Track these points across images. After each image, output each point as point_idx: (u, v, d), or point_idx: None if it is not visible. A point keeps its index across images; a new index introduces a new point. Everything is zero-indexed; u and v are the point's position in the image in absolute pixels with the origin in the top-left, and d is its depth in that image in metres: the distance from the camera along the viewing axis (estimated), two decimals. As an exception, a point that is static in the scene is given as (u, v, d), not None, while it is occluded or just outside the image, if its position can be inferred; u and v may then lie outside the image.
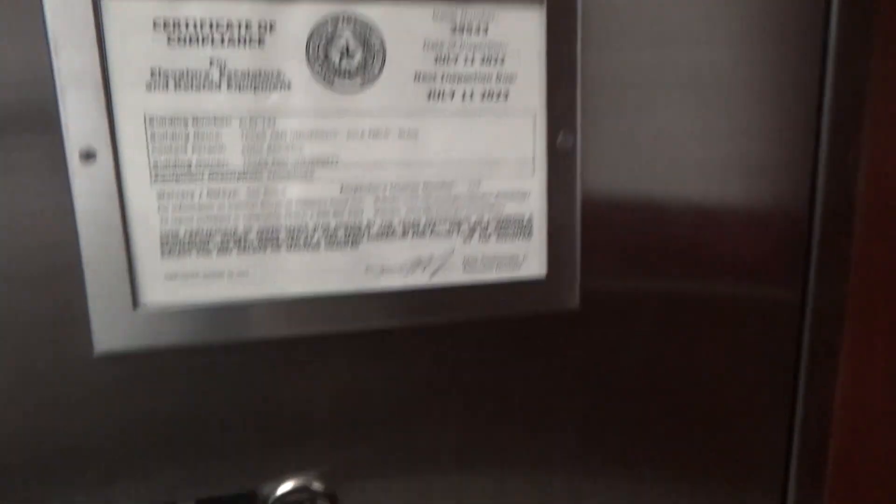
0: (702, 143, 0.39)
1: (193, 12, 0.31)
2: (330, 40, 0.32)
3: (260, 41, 0.32)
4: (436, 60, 0.34)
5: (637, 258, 0.40)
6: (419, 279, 0.36)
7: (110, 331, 0.32)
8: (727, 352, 0.42)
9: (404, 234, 0.35)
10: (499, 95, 0.35)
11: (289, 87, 0.32)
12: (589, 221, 0.38)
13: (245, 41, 0.32)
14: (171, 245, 0.32)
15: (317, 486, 0.37)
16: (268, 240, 0.33)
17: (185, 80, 0.31)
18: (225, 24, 0.31)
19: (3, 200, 0.31)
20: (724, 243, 0.41)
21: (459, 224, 0.36)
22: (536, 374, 0.39)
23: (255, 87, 0.32)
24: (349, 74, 0.33)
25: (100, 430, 0.34)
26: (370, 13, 0.33)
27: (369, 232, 0.35)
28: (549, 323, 0.39)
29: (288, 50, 0.32)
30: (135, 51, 0.30)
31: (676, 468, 0.43)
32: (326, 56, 0.32)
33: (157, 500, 0.35)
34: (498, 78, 0.35)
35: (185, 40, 0.31)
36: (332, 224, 0.34)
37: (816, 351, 0.44)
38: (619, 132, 0.38)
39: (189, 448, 0.35)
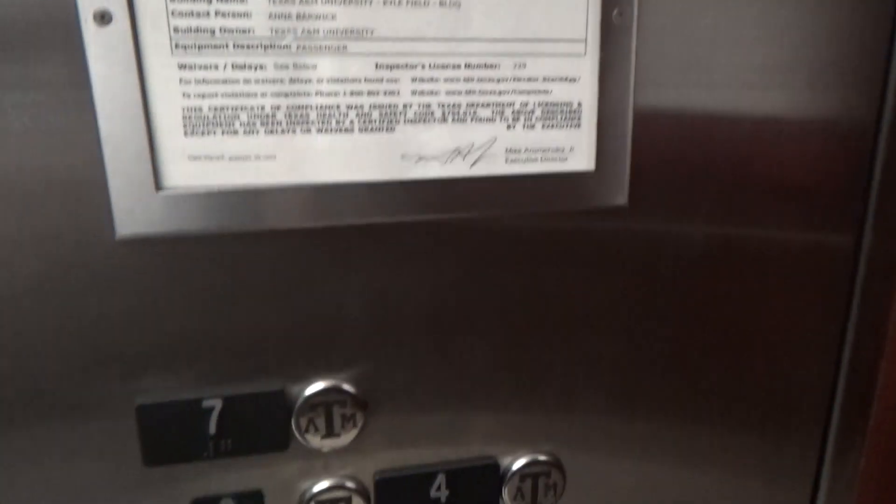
0: (764, 44, 0.35)
1: None
2: None
3: None
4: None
5: (688, 160, 0.37)
6: (458, 169, 0.33)
7: (132, 214, 0.31)
8: (779, 266, 0.40)
9: (443, 118, 0.32)
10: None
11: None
12: (640, 114, 0.35)
13: None
14: (195, 122, 0.30)
15: (348, 388, 0.36)
16: (297, 121, 0.31)
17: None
18: None
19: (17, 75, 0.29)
20: (779, 156, 0.37)
21: (503, 109, 0.33)
22: (579, 274, 0.37)
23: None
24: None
25: (123, 320, 0.32)
26: None
27: (406, 115, 0.32)
28: (595, 220, 0.36)
29: None
30: None
31: (717, 383, 0.41)
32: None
33: (182, 397, 0.34)
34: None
35: None
36: (366, 105, 0.32)
37: (873, 271, 0.41)
38: (677, 20, 0.34)
39: (214, 343, 0.33)
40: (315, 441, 0.36)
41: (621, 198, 0.36)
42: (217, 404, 0.34)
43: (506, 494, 0.39)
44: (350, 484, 0.37)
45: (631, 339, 0.39)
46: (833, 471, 0.45)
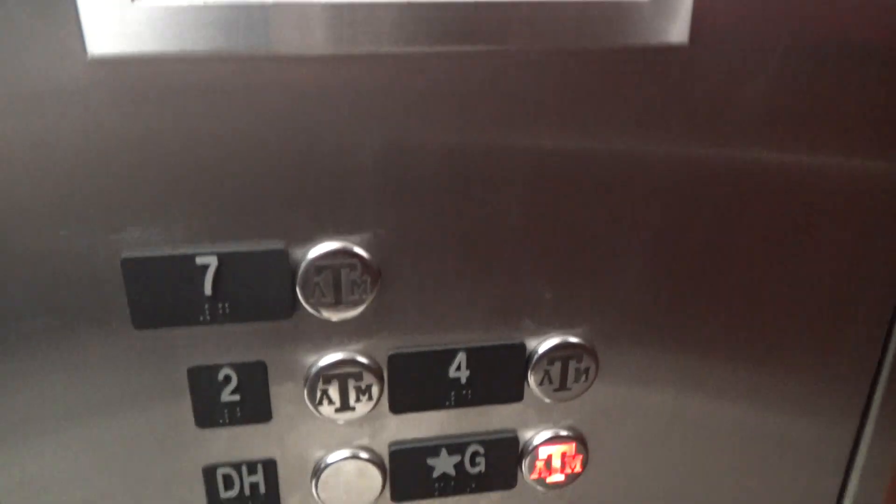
0: None
1: None
2: None
3: None
4: None
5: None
6: (490, -11, 0.28)
7: (105, 29, 0.26)
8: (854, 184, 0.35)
9: (473, -78, 0.27)
10: None
11: None
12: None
13: None
14: (174, -85, 0.25)
15: (359, 251, 0.32)
16: (297, -81, 0.26)
17: None
18: None
19: None
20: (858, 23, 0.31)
21: (545, -86, 0.28)
22: (626, 120, 0.32)
23: None
24: None
25: (100, 160, 0.28)
26: None
27: (427, -84, 0.27)
28: (647, 61, 0.31)
29: None
30: None
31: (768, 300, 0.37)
32: None
33: (173, 252, 0.30)
34: None
35: None
36: None
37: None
38: None
39: (207, 192, 0.29)
40: (322, 309, 0.32)
41: (681, 34, 0.30)
42: (212, 262, 0.30)
43: (531, 378, 0.36)
44: (362, 359, 0.34)
45: (677, 211, 0.35)
46: (882, 414, 0.41)
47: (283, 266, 0.31)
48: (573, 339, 0.36)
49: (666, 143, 0.32)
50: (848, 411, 0.41)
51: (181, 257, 0.30)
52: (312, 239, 0.31)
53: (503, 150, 0.31)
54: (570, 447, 0.38)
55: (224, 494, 0.35)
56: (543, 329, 0.35)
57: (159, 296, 0.30)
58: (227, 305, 0.31)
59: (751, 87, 0.32)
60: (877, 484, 0.43)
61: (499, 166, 0.32)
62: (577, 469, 0.39)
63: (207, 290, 0.31)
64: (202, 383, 0.33)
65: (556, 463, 0.38)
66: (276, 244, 0.31)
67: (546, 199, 0.33)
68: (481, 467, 0.37)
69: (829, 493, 0.44)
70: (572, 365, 0.36)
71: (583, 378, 0.36)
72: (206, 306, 0.31)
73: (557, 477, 0.39)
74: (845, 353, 0.39)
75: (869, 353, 0.40)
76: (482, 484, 0.38)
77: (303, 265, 0.31)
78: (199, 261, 0.30)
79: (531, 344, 0.36)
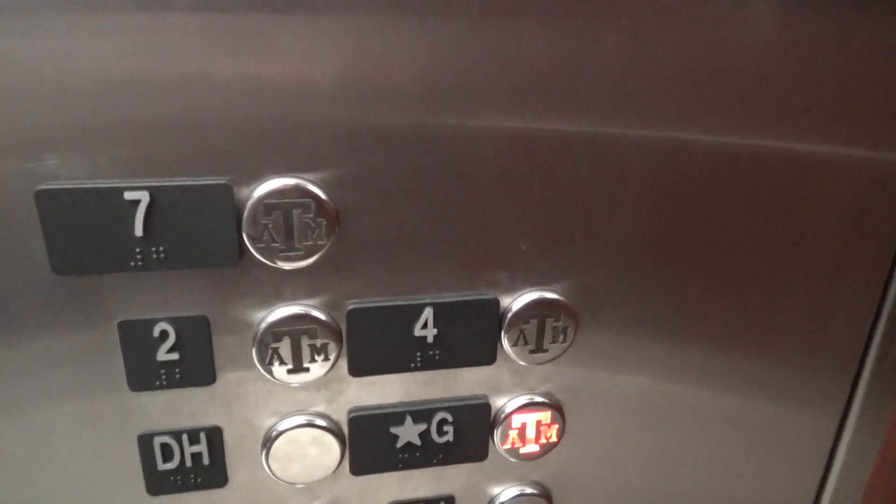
0: None
1: None
2: None
3: None
4: None
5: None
6: None
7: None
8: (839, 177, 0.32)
9: None
10: None
11: None
12: None
13: None
14: None
15: (315, 189, 0.29)
16: None
17: None
18: None
19: None
20: None
21: None
22: (611, 77, 0.29)
23: None
24: None
25: (16, 73, 0.25)
26: None
27: None
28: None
29: None
30: None
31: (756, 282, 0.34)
32: None
33: (97, 184, 0.26)
34: None
35: None
36: None
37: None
38: None
39: (138, 115, 0.26)
40: (273, 256, 0.28)
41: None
42: (143, 197, 0.26)
43: (505, 338, 0.33)
44: (317, 314, 0.30)
45: (666, 171, 0.32)
46: (865, 403, 0.39)
47: (226, 204, 0.27)
48: (551, 296, 0.33)
49: (652, 108, 0.30)
50: (832, 400, 0.39)
51: (106, 191, 0.26)
52: (261, 176, 0.28)
53: (480, 86, 0.28)
54: (545, 415, 0.35)
55: (162, 466, 0.31)
56: (518, 285, 0.32)
57: (82, 236, 0.26)
58: (161, 250, 0.27)
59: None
60: (858, 473, 0.41)
61: (474, 102, 0.28)
62: (553, 439, 0.36)
63: (138, 230, 0.27)
64: (135, 340, 0.29)
65: (531, 432, 0.35)
66: (218, 179, 0.27)
67: (524, 141, 0.29)
68: (449, 437, 0.34)
69: (810, 481, 0.42)
70: (549, 324, 0.33)
71: (560, 338, 0.33)
72: (138, 250, 0.27)
73: (532, 447, 0.36)
74: (831, 340, 0.37)
75: (854, 342, 0.38)
76: (450, 455, 0.35)
77: (249, 204, 0.27)
78: (129, 195, 0.26)
79: (505, 301, 0.33)
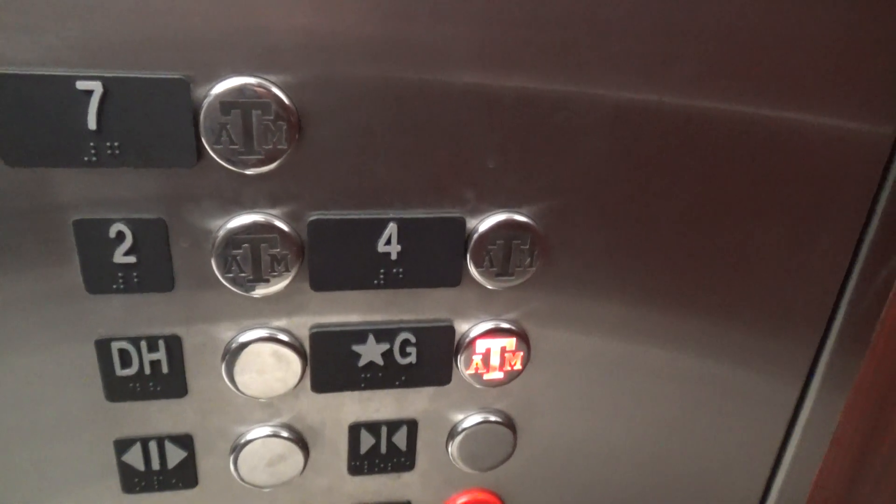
0: None
1: None
2: None
3: None
4: None
5: None
6: None
7: None
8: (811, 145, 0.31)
9: None
10: None
11: None
12: None
13: None
14: None
15: (276, 91, 0.28)
16: None
17: None
18: None
19: None
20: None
21: None
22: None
23: None
24: None
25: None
26: None
27: None
28: None
29: None
30: None
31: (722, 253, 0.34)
32: None
33: (47, 71, 0.26)
34: None
35: None
36: None
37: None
38: None
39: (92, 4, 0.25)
40: (231, 158, 0.28)
41: None
42: (96, 88, 0.26)
43: (471, 259, 0.32)
44: (278, 223, 0.30)
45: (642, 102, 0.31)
46: (829, 370, 0.38)
47: (183, 101, 0.26)
48: (518, 218, 0.32)
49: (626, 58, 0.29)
50: (795, 366, 0.39)
51: (59, 79, 0.25)
52: (221, 74, 0.27)
53: (446, -15, 0.27)
54: (510, 342, 0.35)
55: (120, 371, 0.31)
56: (486, 205, 0.32)
57: (34, 126, 0.26)
58: (116, 145, 0.27)
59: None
60: (819, 440, 0.41)
61: (449, 8, 0.28)
62: (518, 367, 0.36)
63: (91, 123, 0.26)
64: (91, 240, 0.28)
65: (495, 359, 0.35)
66: (176, 74, 0.27)
67: (495, 54, 0.29)
68: (412, 358, 0.34)
69: (769, 448, 0.42)
70: (516, 246, 0.32)
71: (527, 262, 0.33)
72: (91, 144, 0.27)
73: (496, 374, 0.35)
74: (797, 305, 0.37)
75: (820, 309, 0.37)
76: (413, 377, 0.35)
77: (207, 102, 0.27)
78: (81, 85, 0.25)
79: (472, 222, 0.32)
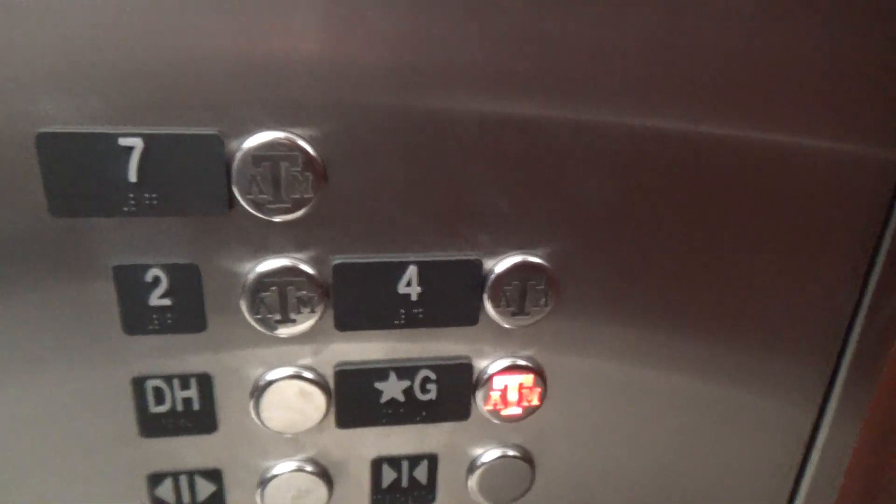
0: None
1: None
2: None
3: None
4: None
5: None
6: None
7: None
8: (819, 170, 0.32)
9: None
10: None
11: None
12: None
13: None
14: None
15: (302, 144, 0.30)
16: None
17: None
18: None
19: None
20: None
21: None
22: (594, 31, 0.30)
23: None
24: None
25: (17, 16, 0.26)
26: None
27: None
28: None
29: None
30: None
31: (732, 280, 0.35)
32: None
33: (92, 129, 0.28)
34: None
35: None
36: None
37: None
38: None
39: (133, 66, 0.27)
40: (261, 207, 0.29)
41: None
42: (137, 144, 0.28)
43: (488, 299, 0.33)
44: (304, 267, 0.31)
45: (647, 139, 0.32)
46: (843, 397, 0.39)
47: (217, 154, 0.28)
48: (533, 259, 0.33)
49: (634, 91, 0.30)
50: (811, 388, 0.39)
51: (103, 136, 0.27)
52: (252, 128, 0.29)
53: (461, 42, 0.29)
54: (527, 378, 0.36)
55: (154, 409, 0.33)
56: (501, 248, 0.33)
57: (79, 180, 0.28)
58: (154, 196, 0.29)
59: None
60: (836, 464, 0.42)
61: (458, 74, 0.29)
62: (535, 402, 0.36)
63: (132, 175, 0.28)
64: (129, 284, 0.30)
65: (513, 395, 0.36)
66: (210, 129, 0.29)
67: (505, 102, 0.30)
68: (432, 395, 0.35)
69: (787, 473, 0.42)
70: (531, 287, 0.33)
71: (542, 301, 0.34)
72: (131, 195, 0.28)
73: (514, 410, 0.36)
74: (811, 328, 0.37)
75: (834, 332, 0.38)
76: (433, 413, 0.36)
77: (239, 155, 0.29)
78: (123, 142, 0.27)
79: (488, 263, 0.33)
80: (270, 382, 0.33)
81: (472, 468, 0.38)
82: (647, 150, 0.32)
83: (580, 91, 0.30)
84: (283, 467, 0.36)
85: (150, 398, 0.33)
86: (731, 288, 0.36)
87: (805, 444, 0.41)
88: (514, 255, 0.33)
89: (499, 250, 0.33)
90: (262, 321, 0.32)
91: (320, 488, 0.36)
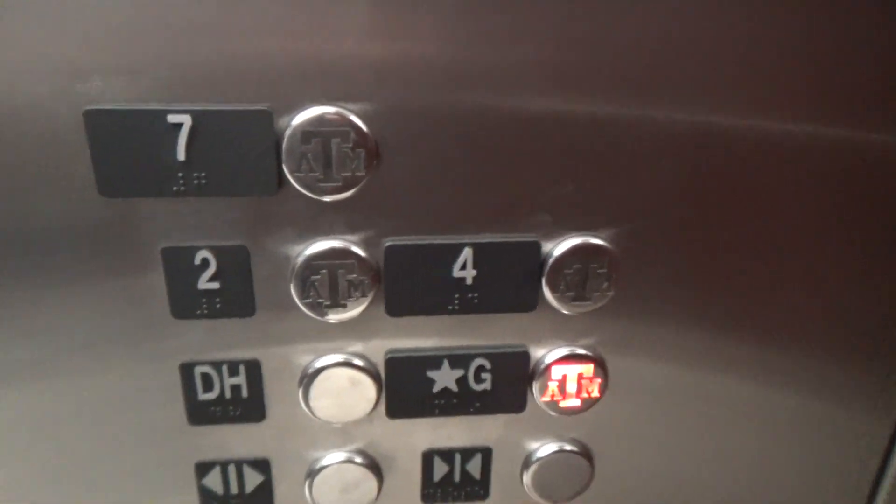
0: None
1: None
2: None
3: None
4: None
5: None
6: None
7: None
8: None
9: None
10: None
11: None
12: None
13: None
14: None
15: (355, 119, 0.28)
16: None
17: None
18: None
19: None
20: None
21: None
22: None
23: None
24: None
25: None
26: None
27: None
28: None
29: None
30: None
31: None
32: None
33: (141, 107, 0.27)
34: None
35: None
36: None
37: None
38: None
39: (175, 40, 0.26)
40: (312, 186, 0.28)
41: None
42: (186, 121, 0.27)
43: (546, 283, 0.32)
44: (355, 249, 0.30)
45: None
46: None
47: (266, 131, 0.27)
48: (595, 241, 0.31)
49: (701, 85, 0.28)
50: (889, 396, 0.36)
51: (151, 112, 0.26)
52: (302, 104, 0.28)
53: (518, 32, 0.27)
54: (587, 368, 0.34)
55: (202, 395, 0.32)
56: (562, 229, 0.31)
57: (127, 159, 0.27)
58: (203, 175, 0.28)
59: None
60: None
61: (520, 34, 0.28)
62: (595, 394, 0.34)
63: (181, 154, 0.27)
64: (178, 267, 0.29)
65: (572, 386, 0.34)
66: (259, 105, 0.27)
67: (571, 81, 0.28)
68: (487, 384, 0.34)
69: (864, 483, 0.39)
70: (593, 271, 0.31)
71: (604, 286, 0.32)
72: (180, 175, 0.27)
73: (572, 402, 0.34)
74: (890, 334, 0.34)
75: None
76: (487, 404, 0.34)
77: (288, 131, 0.27)
78: (172, 118, 0.26)
79: (547, 245, 0.32)
80: (320, 370, 0.32)
81: (527, 463, 0.36)
82: (714, 142, 0.30)
83: (646, 81, 0.28)
84: (332, 458, 0.35)
85: (199, 385, 0.32)
86: (803, 288, 0.33)
87: (883, 453, 0.38)
88: (575, 236, 0.31)
89: (558, 232, 0.31)
90: (311, 305, 0.31)
91: (370, 481, 0.35)
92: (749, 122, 0.30)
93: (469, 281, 0.31)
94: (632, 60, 0.28)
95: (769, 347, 0.35)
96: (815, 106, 0.30)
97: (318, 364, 0.32)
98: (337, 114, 0.27)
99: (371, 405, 0.33)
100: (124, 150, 0.27)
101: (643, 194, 0.31)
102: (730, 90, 0.29)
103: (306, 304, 0.31)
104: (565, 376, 0.34)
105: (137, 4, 0.25)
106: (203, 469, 0.34)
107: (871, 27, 0.28)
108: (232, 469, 0.34)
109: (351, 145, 0.28)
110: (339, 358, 0.32)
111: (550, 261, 0.31)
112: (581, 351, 0.34)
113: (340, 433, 0.34)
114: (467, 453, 0.36)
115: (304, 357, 0.32)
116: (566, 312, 0.32)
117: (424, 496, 0.37)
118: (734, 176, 0.31)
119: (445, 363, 0.33)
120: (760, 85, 0.29)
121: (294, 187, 0.28)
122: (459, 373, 0.33)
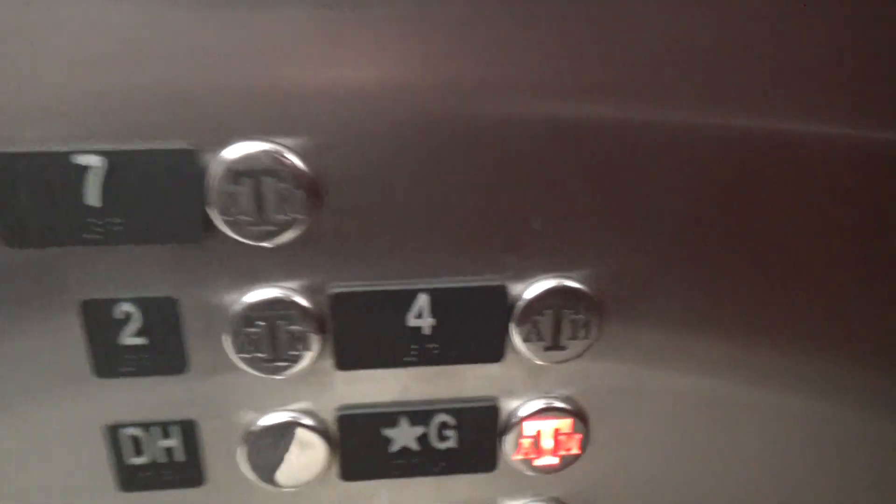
0: None
1: None
2: None
3: None
4: None
5: None
6: None
7: None
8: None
9: None
10: None
11: None
12: None
13: None
14: None
15: (289, 155, 0.25)
16: None
17: None
18: None
19: None
20: None
21: None
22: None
23: None
24: None
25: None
26: None
27: None
28: None
29: None
30: None
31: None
32: None
33: (47, 149, 0.24)
34: None
35: None
36: None
37: None
38: None
39: (87, 73, 0.23)
40: (241, 231, 0.25)
41: None
42: (95, 162, 0.24)
43: (515, 332, 0.28)
44: (296, 298, 0.27)
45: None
46: None
47: (190, 171, 0.24)
48: (569, 284, 0.28)
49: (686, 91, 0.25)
50: None
51: (55, 155, 0.23)
52: (226, 140, 0.24)
53: (475, 43, 0.24)
54: (565, 423, 0.31)
55: (132, 460, 0.29)
56: (531, 270, 0.28)
57: (32, 205, 0.24)
58: (119, 222, 0.24)
59: None
60: None
61: (468, 63, 0.24)
62: (575, 451, 0.31)
63: (92, 199, 0.24)
64: (98, 322, 0.26)
65: (548, 442, 0.31)
66: (181, 143, 0.24)
67: (535, 105, 0.25)
68: (452, 442, 0.30)
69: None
70: (567, 316, 0.28)
71: (581, 334, 0.28)
72: (94, 221, 0.24)
73: (549, 459, 0.31)
74: None
75: None
76: (453, 463, 0.30)
77: (213, 170, 0.24)
78: (79, 160, 0.23)
79: (516, 288, 0.28)
80: (264, 430, 0.29)
81: (501, 525, 0.33)
82: (702, 170, 0.26)
83: (624, 110, 0.25)
84: (284, 525, 0.32)
85: (127, 448, 0.29)
86: (805, 333, 0.30)
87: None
88: (547, 278, 0.28)
89: (527, 273, 0.28)
90: (249, 361, 0.27)
91: (327, 548, 0.32)
92: (744, 131, 0.27)
93: (427, 331, 0.28)
94: (605, 90, 0.25)
95: (773, 392, 0.31)
96: (816, 110, 0.27)
97: (262, 423, 0.29)
98: (269, 149, 0.24)
99: (321, 467, 0.30)
100: (29, 196, 0.24)
101: (622, 230, 0.28)
102: (707, 95, 0.26)
103: (244, 360, 0.27)
104: (539, 432, 0.30)
105: (38, 36, 0.23)
106: (140, 539, 0.31)
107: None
108: (173, 538, 0.31)
109: (286, 185, 0.25)
110: (286, 417, 0.29)
111: (519, 306, 0.28)
112: (558, 404, 0.30)
113: (290, 498, 0.31)
114: (434, 517, 0.32)
115: (246, 415, 0.29)
116: (539, 362, 0.29)
117: (389, 562, 0.33)
118: (733, 200, 0.27)
119: (404, 420, 0.29)
120: (753, 113, 0.26)
121: (223, 232, 0.25)
122: (420, 430, 0.30)
